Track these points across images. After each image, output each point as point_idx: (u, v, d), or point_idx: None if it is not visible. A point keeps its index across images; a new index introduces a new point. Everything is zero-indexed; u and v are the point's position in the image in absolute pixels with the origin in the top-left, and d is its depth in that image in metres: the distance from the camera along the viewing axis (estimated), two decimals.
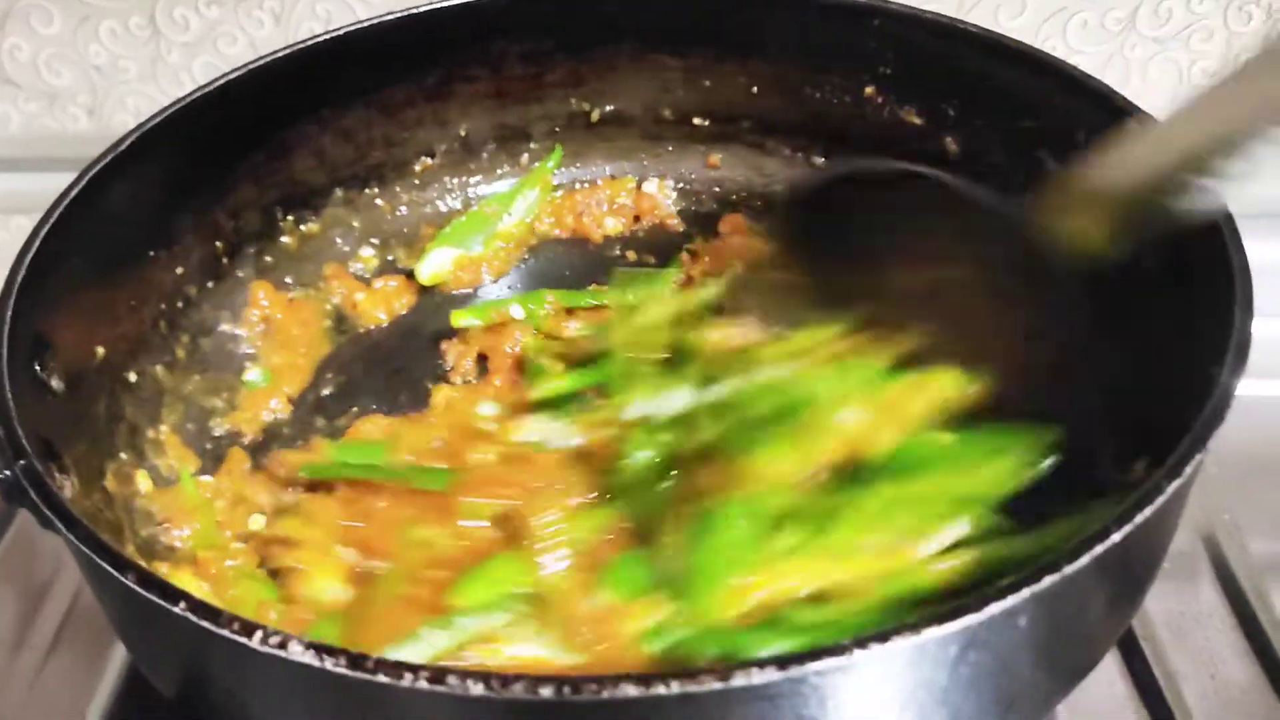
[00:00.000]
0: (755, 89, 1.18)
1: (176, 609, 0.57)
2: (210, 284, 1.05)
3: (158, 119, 0.94)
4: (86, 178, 0.87)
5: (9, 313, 0.76)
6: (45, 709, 0.92)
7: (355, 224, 1.17)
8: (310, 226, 1.14)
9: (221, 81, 0.99)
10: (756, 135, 1.21)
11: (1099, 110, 0.92)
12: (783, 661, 0.53)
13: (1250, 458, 1.06)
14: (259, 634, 0.55)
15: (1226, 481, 1.03)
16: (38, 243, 0.81)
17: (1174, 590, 0.96)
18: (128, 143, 0.91)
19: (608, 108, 1.22)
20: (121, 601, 0.67)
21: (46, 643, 0.96)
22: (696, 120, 1.22)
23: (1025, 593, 0.55)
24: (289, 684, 0.59)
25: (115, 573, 0.59)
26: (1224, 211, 0.77)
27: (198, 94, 0.98)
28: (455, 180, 1.21)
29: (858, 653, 0.53)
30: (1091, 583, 0.61)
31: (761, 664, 0.53)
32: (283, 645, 0.55)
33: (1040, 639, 0.61)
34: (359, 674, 0.54)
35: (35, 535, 1.03)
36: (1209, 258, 0.77)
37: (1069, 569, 0.56)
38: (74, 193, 0.86)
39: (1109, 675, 0.91)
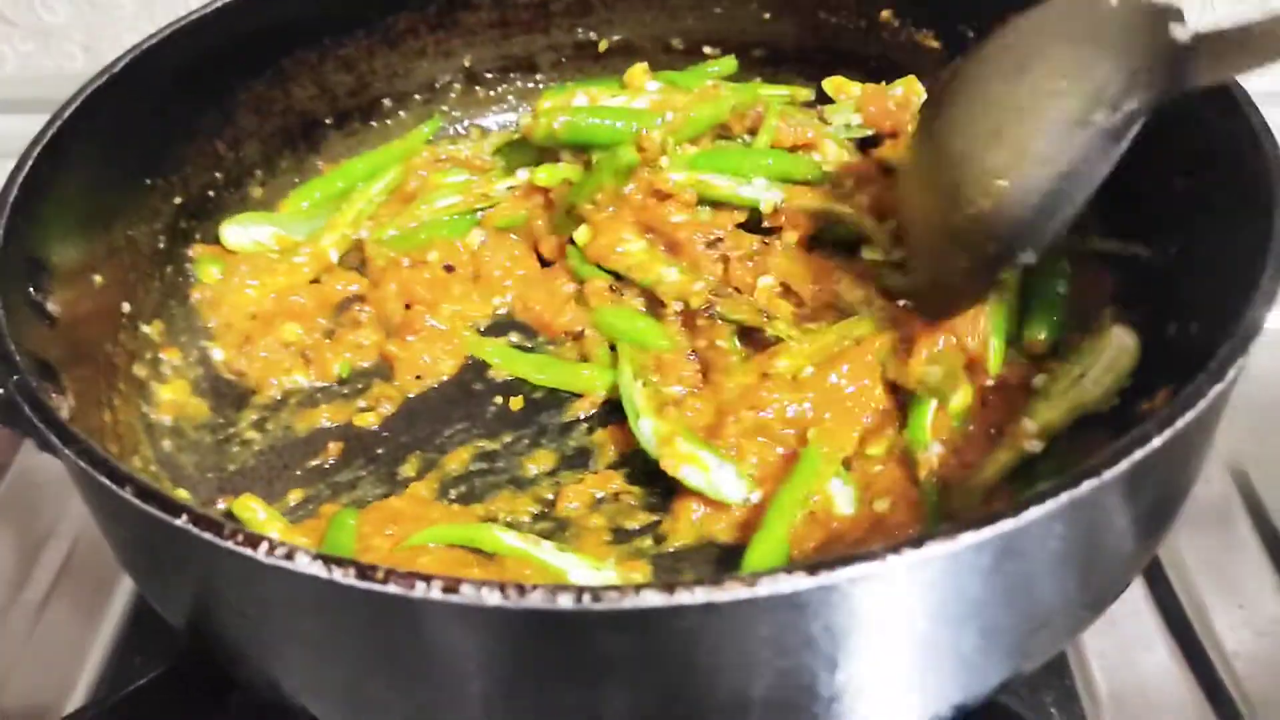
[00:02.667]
0: (767, 15, 1.15)
1: (178, 521, 0.55)
2: (211, 215, 1.03)
3: (153, 40, 0.92)
4: (81, 97, 0.85)
5: (1, 232, 0.73)
6: (45, 653, 0.90)
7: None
8: (311, 160, 1.11)
9: (218, 3, 0.97)
10: (769, 65, 1.18)
11: None
12: (813, 567, 0.50)
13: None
14: (264, 545, 0.53)
15: (1259, 420, 1.00)
16: (30, 162, 0.79)
17: (1203, 525, 0.94)
18: (122, 63, 0.89)
19: (615, 37, 1.19)
20: (123, 522, 0.65)
21: (45, 588, 0.95)
22: (707, 49, 1.18)
23: (1064, 498, 0.53)
24: (297, 599, 0.56)
25: (113, 485, 0.56)
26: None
27: (193, 16, 0.95)
28: (459, 113, 1.19)
29: (891, 559, 0.51)
30: (1129, 492, 0.59)
31: (790, 570, 0.50)
32: (289, 556, 0.52)
33: (1075, 552, 0.59)
34: (368, 584, 0.51)
35: (35, 481, 1.03)
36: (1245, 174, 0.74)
37: (1108, 474, 0.54)
38: (67, 113, 0.83)
39: (1135, 607, 0.90)
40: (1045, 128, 0.74)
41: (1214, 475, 0.98)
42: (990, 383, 0.87)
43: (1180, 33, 0.70)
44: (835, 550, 0.80)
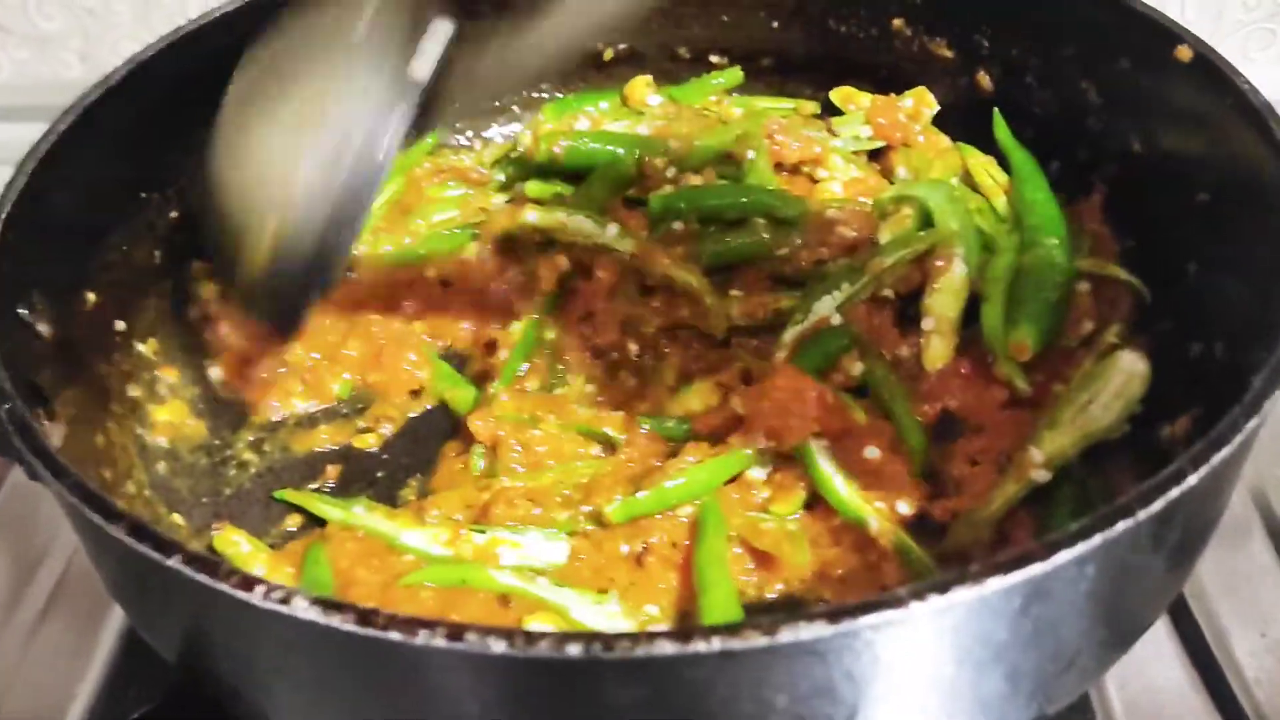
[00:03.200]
0: (776, 23, 1.13)
1: (170, 561, 0.52)
2: None
3: (151, 51, 0.89)
4: (78, 109, 0.83)
5: None
6: (38, 677, 0.88)
7: None
8: None
9: (216, 15, 0.94)
10: (777, 74, 1.16)
11: (1146, 35, 0.87)
12: (834, 615, 0.48)
13: None
14: (260, 589, 0.51)
15: (1277, 441, 0.98)
16: (25, 177, 0.76)
17: (1224, 549, 0.92)
18: (120, 75, 0.87)
19: (620, 45, 1.16)
20: (115, 557, 0.62)
21: (40, 609, 0.92)
22: (714, 58, 1.16)
23: (1097, 539, 0.51)
24: (294, 642, 0.54)
25: (104, 523, 0.54)
26: None
27: (191, 26, 0.93)
28: (463, 123, 1.16)
29: (914, 605, 0.49)
30: (1160, 530, 0.57)
31: (810, 618, 0.48)
32: (285, 601, 0.50)
33: (1104, 592, 0.57)
34: (369, 631, 0.49)
35: (28, 503, 1.01)
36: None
37: (1143, 514, 0.52)
38: (63, 125, 0.81)
39: (1155, 634, 0.87)
40: (308, 166, 0.72)
41: (1234, 498, 0.95)
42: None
43: (419, 71, 0.71)
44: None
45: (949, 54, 1.06)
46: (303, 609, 0.50)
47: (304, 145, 0.73)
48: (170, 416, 0.91)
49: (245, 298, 0.82)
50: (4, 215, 0.74)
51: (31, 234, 0.77)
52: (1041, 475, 0.80)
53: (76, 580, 0.94)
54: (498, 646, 0.48)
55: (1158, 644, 0.87)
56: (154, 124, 0.92)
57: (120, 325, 0.89)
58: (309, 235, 0.73)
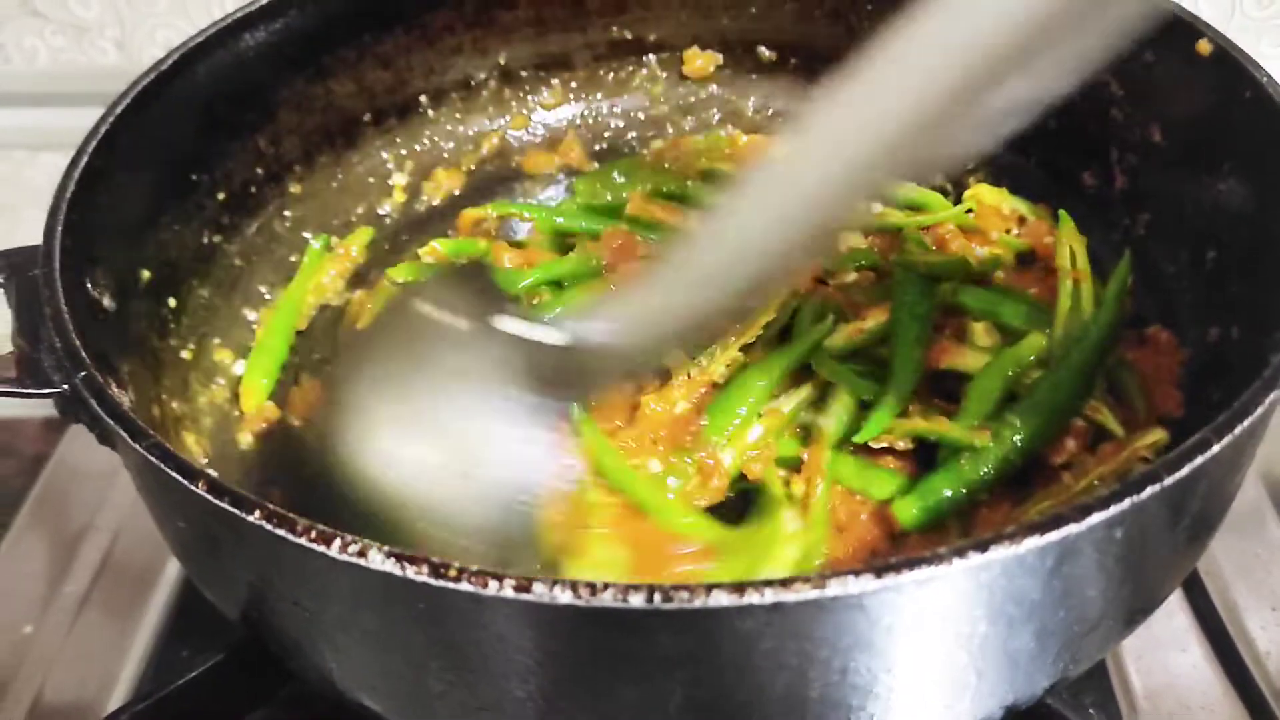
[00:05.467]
0: (803, 17, 1.15)
1: (251, 518, 0.55)
2: (251, 211, 1.03)
3: (200, 37, 0.92)
4: (133, 92, 0.86)
5: (60, 224, 0.74)
6: (86, 648, 0.91)
7: (388, 155, 1.15)
8: (348, 156, 1.12)
9: (260, 1, 0.97)
10: (806, 68, 1.18)
11: (1169, 32, 0.89)
12: (880, 570, 0.51)
13: None
14: (337, 542, 0.54)
15: None
16: (85, 156, 0.79)
17: (1238, 532, 0.95)
18: (171, 59, 0.90)
19: (650, 37, 1.19)
20: (188, 516, 0.65)
21: (86, 583, 0.95)
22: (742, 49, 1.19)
23: (1126, 503, 0.54)
24: (364, 593, 0.57)
25: (185, 481, 0.57)
26: None
27: (238, 14, 0.96)
28: (494, 110, 1.19)
29: (956, 561, 0.52)
30: (1184, 498, 0.60)
31: (857, 572, 0.51)
32: (362, 554, 0.53)
33: (1130, 556, 0.60)
34: (442, 582, 0.52)
35: (75, 474, 1.04)
36: None
37: (1169, 479, 0.55)
38: (120, 107, 0.84)
39: (1170, 610, 0.90)
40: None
41: (1247, 480, 0.98)
42: None
43: None
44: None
45: None
46: (378, 561, 0.53)
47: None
48: (216, 395, 0.94)
49: None
50: (69, 195, 0.77)
51: (93, 213, 0.79)
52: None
53: (122, 555, 0.97)
54: (563, 597, 0.51)
55: (1173, 618, 0.90)
56: (202, 108, 0.95)
57: (172, 303, 0.92)
58: None
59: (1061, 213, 1.00)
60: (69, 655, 0.90)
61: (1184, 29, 0.88)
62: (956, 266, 0.95)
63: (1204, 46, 0.86)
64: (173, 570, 0.95)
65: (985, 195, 1.03)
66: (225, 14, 0.97)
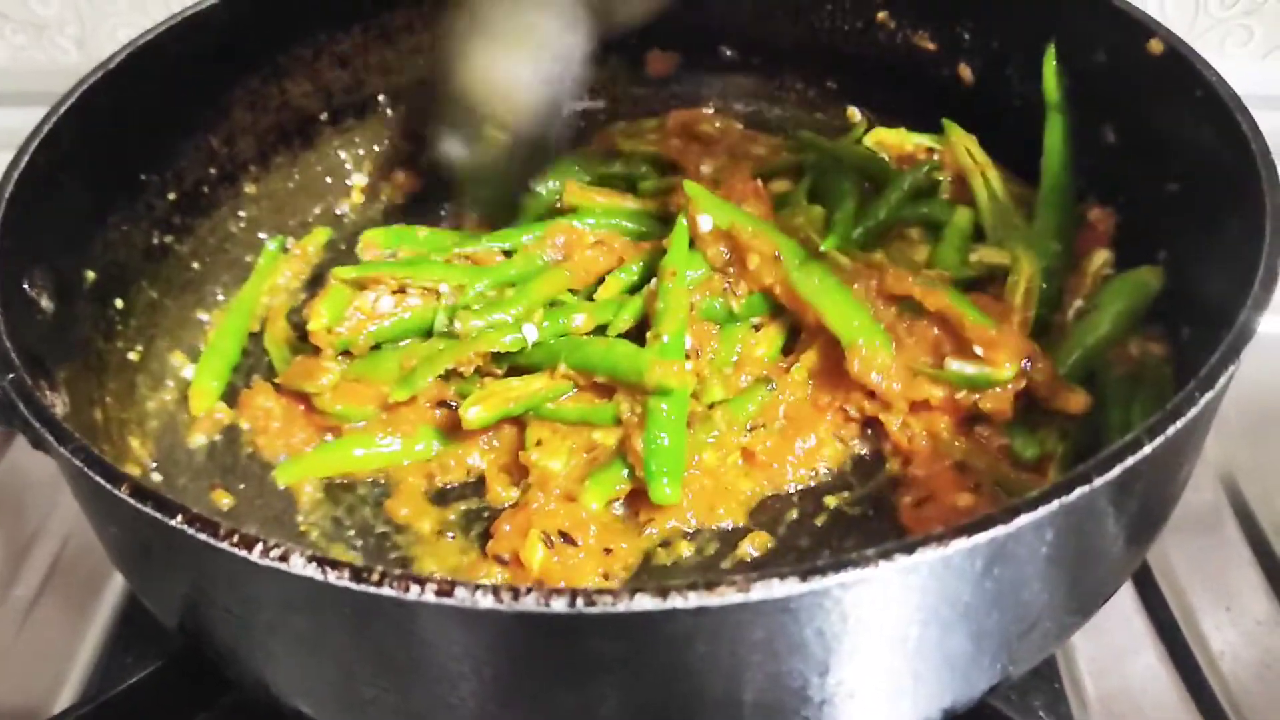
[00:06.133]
0: (763, 16, 1.15)
1: (173, 522, 0.55)
2: (204, 212, 1.02)
3: (150, 35, 0.92)
4: (78, 91, 0.85)
5: None
6: (34, 652, 0.90)
7: (346, 155, 1.14)
8: (305, 155, 1.11)
9: (212, 0, 0.96)
10: (768, 66, 1.18)
11: (1121, 30, 0.89)
12: (805, 573, 0.51)
13: (1269, 401, 1.05)
14: (259, 547, 0.53)
15: (1250, 428, 1.02)
16: (27, 156, 0.78)
17: (1193, 532, 0.95)
18: (119, 58, 0.89)
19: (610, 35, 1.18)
20: (118, 521, 0.65)
21: (35, 587, 0.94)
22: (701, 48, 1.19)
23: (1054, 504, 0.53)
24: (290, 599, 0.56)
25: (109, 485, 0.56)
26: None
27: (190, 11, 0.95)
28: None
29: (883, 564, 0.51)
30: (1118, 498, 0.59)
31: (783, 575, 0.51)
32: (284, 558, 0.53)
33: (1064, 557, 0.60)
34: (364, 586, 0.52)
35: (24, 480, 1.02)
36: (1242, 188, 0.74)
37: (1099, 480, 0.55)
38: (64, 107, 0.83)
39: (1124, 611, 0.90)
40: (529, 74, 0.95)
41: (1204, 483, 0.99)
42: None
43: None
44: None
45: (932, 46, 1.08)
46: (299, 566, 0.52)
47: (525, 58, 0.94)
48: (164, 398, 0.94)
49: (473, 185, 1.01)
50: (7, 194, 0.76)
51: (34, 212, 0.79)
52: None
53: (71, 559, 0.96)
54: (485, 601, 0.51)
55: (1126, 618, 0.89)
56: (152, 107, 0.94)
57: (118, 303, 0.91)
58: (532, 125, 0.96)
59: (945, 121, 1.06)
60: (17, 658, 0.89)
61: (1136, 28, 0.87)
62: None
63: (1156, 46, 0.86)
64: (121, 576, 0.94)
65: (886, 136, 1.10)
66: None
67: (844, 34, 1.13)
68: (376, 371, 0.90)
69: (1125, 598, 0.90)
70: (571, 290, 0.96)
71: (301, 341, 0.97)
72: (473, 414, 0.85)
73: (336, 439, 0.91)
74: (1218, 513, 0.98)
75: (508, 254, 0.99)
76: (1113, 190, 0.94)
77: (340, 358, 0.93)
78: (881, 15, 1.10)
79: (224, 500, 0.88)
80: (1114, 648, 0.88)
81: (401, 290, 0.94)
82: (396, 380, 0.89)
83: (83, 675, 0.88)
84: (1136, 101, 0.90)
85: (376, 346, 0.93)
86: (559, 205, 1.04)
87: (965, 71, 1.06)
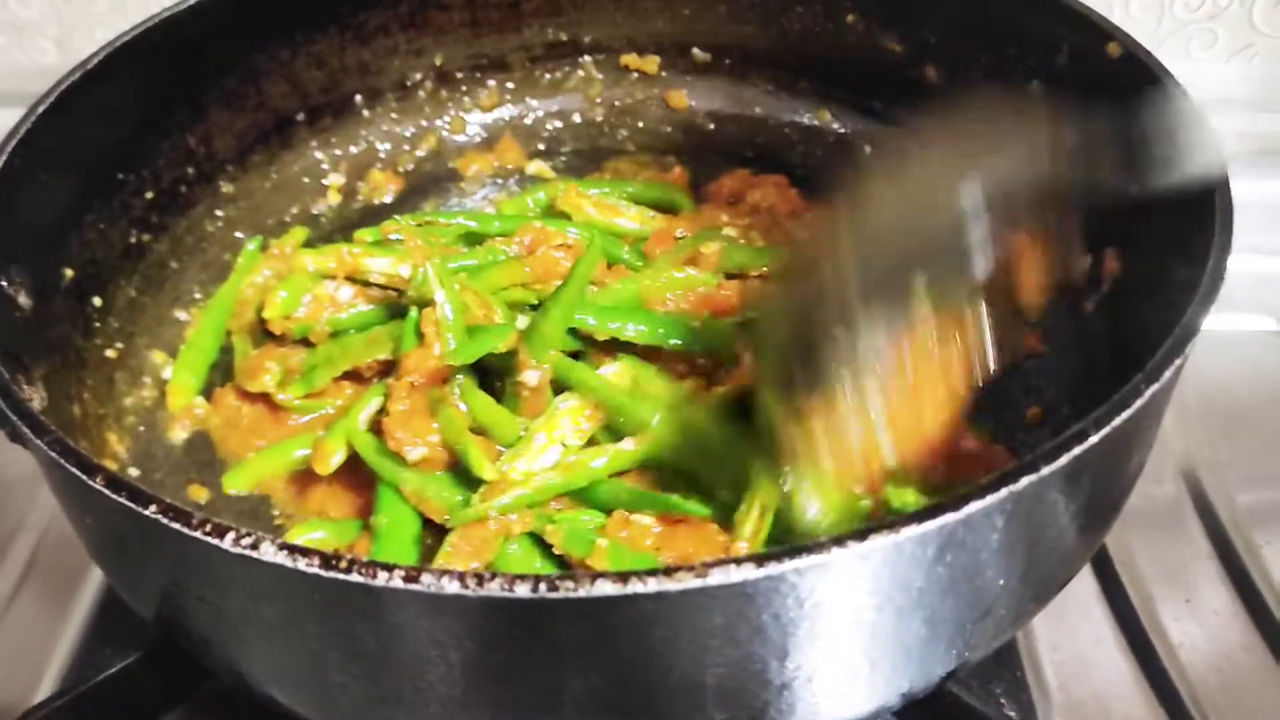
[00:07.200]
0: (735, 18, 1.17)
1: (147, 512, 0.56)
2: (182, 211, 1.04)
3: (127, 36, 0.92)
4: (55, 93, 0.86)
5: None
6: (12, 646, 0.91)
7: (323, 156, 1.16)
8: (282, 155, 1.12)
9: (191, 1, 0.98)
10: (738, 68, 1.20)
11: (1082, 34, 0.91)
12: (761, 559, 0.52)
13: (1230, 396, 1.08)
14: (230, 535, 0.54)
15: (1210, 423, 1.04)
16: (4, 156, 0.79)
17: (1154, 525, 0.97)
18: (97, 59, 0.90)
19: (586, 39, 1.20)
20: (94, 513, 0.66)
21: (14, 582, 0.95)
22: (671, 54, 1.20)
23: (1003, 492, 0.55)
24: (261, 587, 0.58)
25: (83, 476, 0.58)
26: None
27: (166, 13, 0.96)
28: (430, 111, 1.20)
29: (836, 551, 0.53)
30: (1067, 488, 0.61)
31: (739, 562, 0.52)
32: (254, 546, 0.54)
33: (1016, 544, 0.61)
34: (333, 574, 0.53)
35: (2, 476, 1.03)
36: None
37: (1046, 470, 0.56)
38: (42, 108, 0.84)
39: (1086, 602, 0.92)
40: None
41: (1165, 477, 1.01)
42: None
43: None
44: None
45: (898, 48, 1.10)
46: (270, 553, 0.54)
47: None
48: (143, 394, 0.95)
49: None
50: None
51: (11, 211, 0.80)
52: None
53: (49, 553, 0.97)
54: (450, 587, 0.52)
55: (1087, 608, 0.91)
56: (130, 108, 0.95)
57: (97, 301, 0.92)
58: None
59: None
60: None
61: (1095, 31, 0.89)
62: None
63: (1114, 49, 0.88)
64: (98, 569, 0.95)
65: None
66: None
67: (813, 35, 1.15)
68: (333, 361, 0.92)
69: (1087, 588, 0.93)
70: (525, 285, 0.97)
71: (266, 336, 0.99)
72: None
73: (272, 444, 0.92)
74: (1179, 506, 1.00)
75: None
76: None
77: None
78: (851, 18, 1.12)
79: (201, 495, 0.89)
80: (1075, 637, 0.90)
81: (366, 283, 0.96)
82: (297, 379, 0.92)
83: (61, 667, 0.89)
84: (1097, 102, 0.92)
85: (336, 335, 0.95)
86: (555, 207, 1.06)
87: (931, 73, 1.08)
